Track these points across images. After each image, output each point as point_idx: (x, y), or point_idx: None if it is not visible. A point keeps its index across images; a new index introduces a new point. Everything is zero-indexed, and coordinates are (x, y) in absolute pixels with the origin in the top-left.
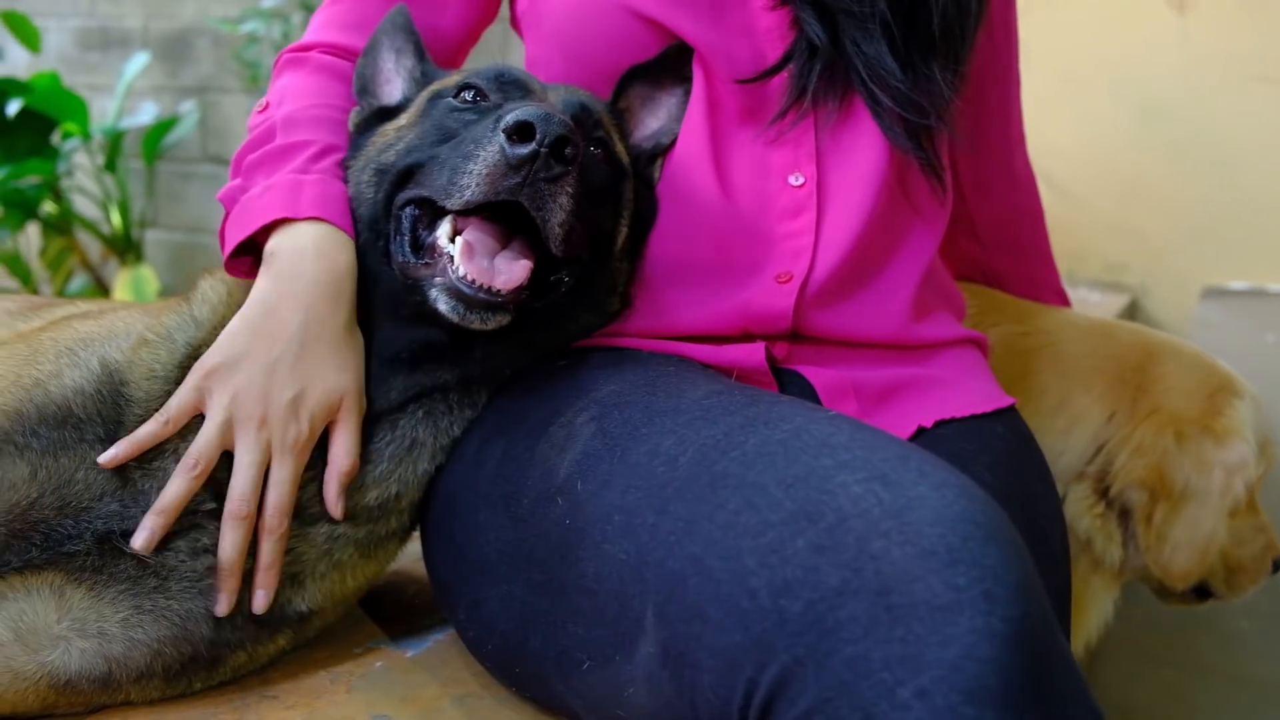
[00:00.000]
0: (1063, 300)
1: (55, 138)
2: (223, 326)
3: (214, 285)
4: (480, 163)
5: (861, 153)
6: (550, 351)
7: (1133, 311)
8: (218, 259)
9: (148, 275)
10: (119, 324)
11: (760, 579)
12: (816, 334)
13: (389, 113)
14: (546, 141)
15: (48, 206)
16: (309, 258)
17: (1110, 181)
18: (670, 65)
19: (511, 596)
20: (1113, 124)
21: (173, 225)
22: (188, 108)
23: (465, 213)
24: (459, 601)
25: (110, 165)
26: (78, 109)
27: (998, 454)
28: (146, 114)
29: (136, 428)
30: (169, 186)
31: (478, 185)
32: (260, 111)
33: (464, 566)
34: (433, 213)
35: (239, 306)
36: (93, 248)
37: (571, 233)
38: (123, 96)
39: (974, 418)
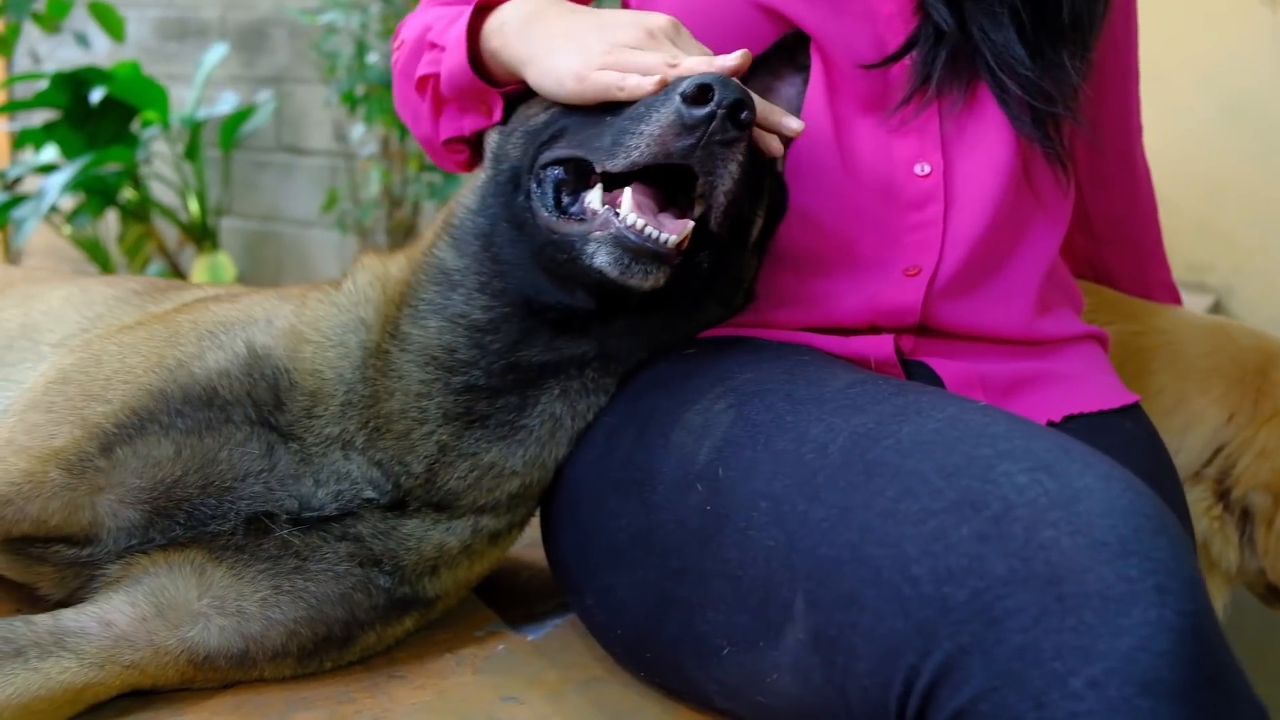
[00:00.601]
0: (1175, 299)
1: (134, 126)
2: (390, 320)
3: (369, 280)
4: (653, 123)
5: (987, 142)
6: (677, 341)
7: (1216, 312)
8: (290, 247)
9: (224, 262)
10: (256, 309)
11: (922, 566)
12: (943, 327)
13: (523, 97)
14: (724, 104)
15: (127, 193)
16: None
17: (1196, 180)
18: (788, 54)
19: (645, 583)
20: (1199, 121)
21: (246, 213)
22: (264, 98)
23: (616, 184)
24: (586, 588)
25: (191, 154)
26: (158, 98)
27: (1128, 450)
28: (227, 103)
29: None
30: (243, 175)
31: (648, 145)
32: (398, 48)
33: (593, 553)
34: (577, 179)
35: (394, 296)
36: (169, 234)
37: (731, 205)
38: (201, 86)
39: (1101, 413)
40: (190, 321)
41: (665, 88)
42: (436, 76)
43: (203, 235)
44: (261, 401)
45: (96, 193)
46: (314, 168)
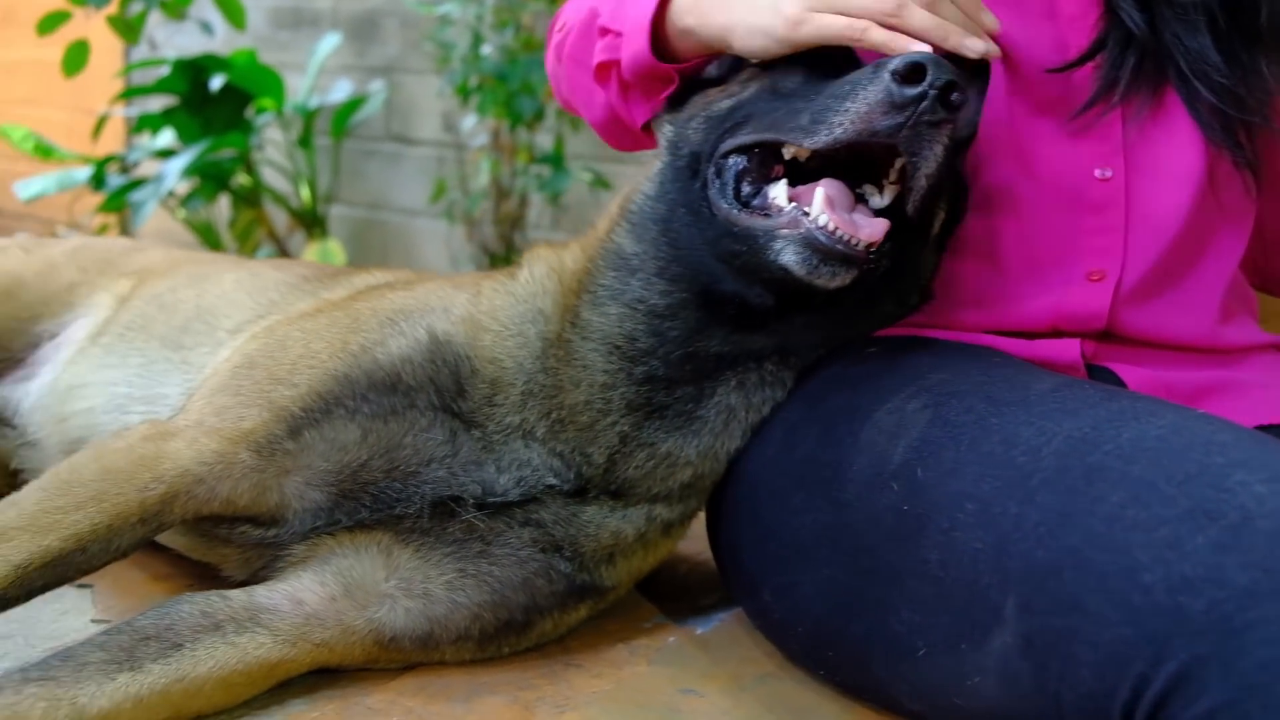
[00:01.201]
0: None
1: (248, 113)
2: (570, 309)
3: (545, 272)
4: (859, 100)
5: (1173, 147)
6: (854, 338)
7: None
8: (396, 235)
9: (335, 249)
10: (432, 297)
11: (1154, 574)
12: (1127, 333)
13: (701, 85)
14: (937, 84)
15: (239, 179)
16: None
17: None
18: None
19: (831, 580)
20: None
21: (353, 201)
22: (375, 87)
23: (800, 178)
24: (764, 583)
25: (304, 141)
26: (274, 85)
27: None
28: (341, 91)
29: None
30: (351, 163)
31: (851, 123)
32: (559, 30)
33: (772, 549)
34: (760, 169)
35: (571, 285)
36: (278, 219)
37: (930, 191)
38: (315, 75)
39: None
40: (369, 308)
41: (876, 66)
42: (618, 63)
43: (312, 222)
44: (444, 388)
45: (210, 178)
46: (421, 158)
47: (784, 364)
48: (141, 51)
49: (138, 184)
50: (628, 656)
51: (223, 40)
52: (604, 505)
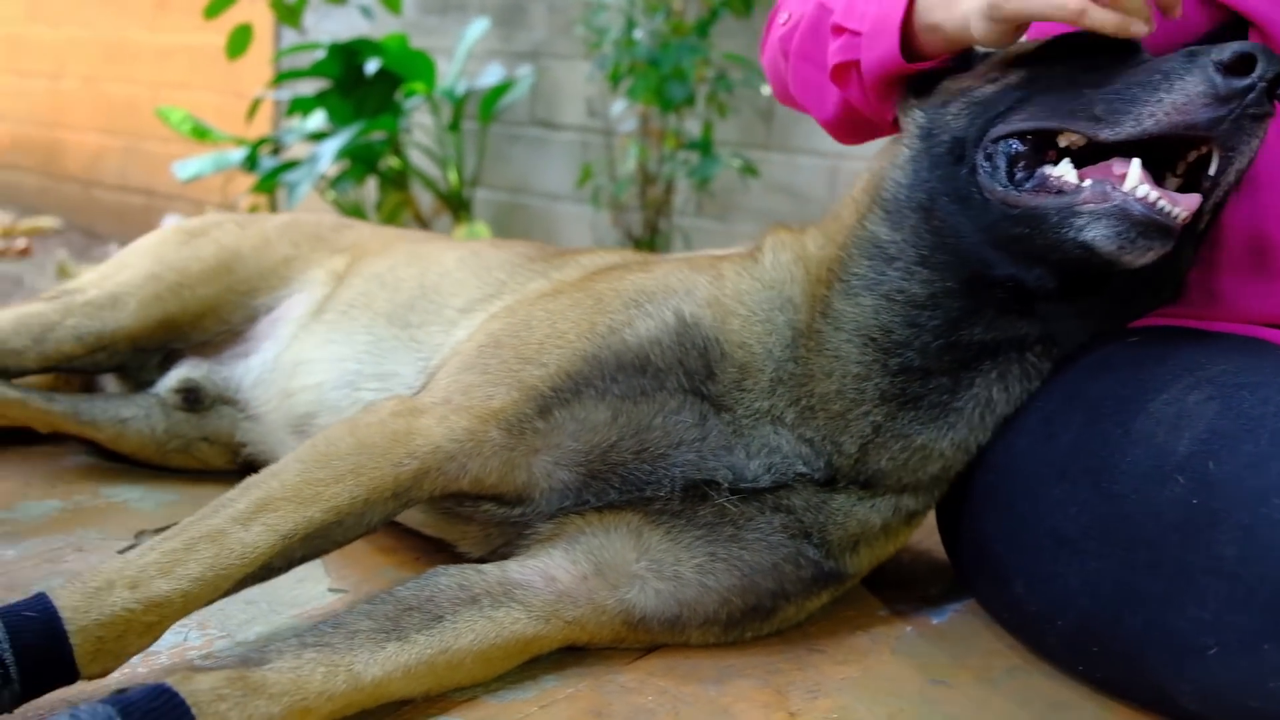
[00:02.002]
0: None
1: (396, 96)
2: (820, 299)
3: (791, 259)
4: (1176, 91)
5: None
6: (1114, 327)
7: None
8: (540, 219)
9: (483, 232)
10: (673, 279)
11: None
12: None
13: (944, 72)
14: (1266, 75)
15: (388, 161)
16: None
17: None
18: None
19: (1100, 574)
20: None
21: (497, 185)
22: (523, 72)
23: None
24: (1017, 575)
25: (454, 125)
26: (425, 69)
27: None
28: (492, 75)
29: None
30: (496, 147)
31: (1165, 114)
32: (784, 24)
33: (1028, 540)
34: (1033, 152)
35: (819, 274)
36: (424, 202)
37: (1232, 185)
38: (463, 59)
39: None
40: (611, 289)
41: (1189, 55)
42: (858, 63)
43: (459, 205)
44: (693, 371)
45: (360, 160)
46: (566, 142)
47: (1045, 354)
48: (290, 36)
49: (290, 165)
50: (869, 645)
51: (373, 26)
52: (853, 494)
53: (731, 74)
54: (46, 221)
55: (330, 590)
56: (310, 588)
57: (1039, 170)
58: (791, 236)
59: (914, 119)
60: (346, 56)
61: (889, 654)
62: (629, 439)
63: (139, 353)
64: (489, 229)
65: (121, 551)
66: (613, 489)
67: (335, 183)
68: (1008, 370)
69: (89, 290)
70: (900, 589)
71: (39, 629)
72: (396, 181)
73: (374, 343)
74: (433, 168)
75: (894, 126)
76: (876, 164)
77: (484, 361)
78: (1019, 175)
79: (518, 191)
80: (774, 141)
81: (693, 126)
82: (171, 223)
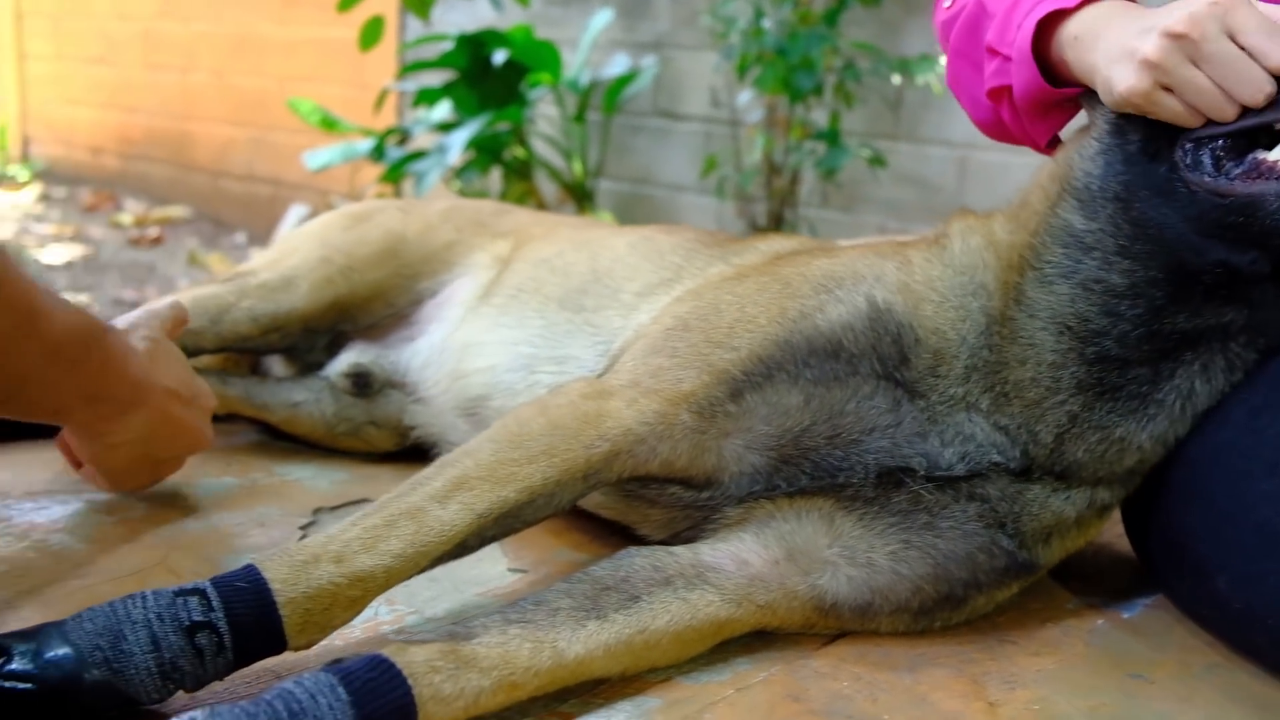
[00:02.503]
0: None
1: (522, 87)
2: (1012, 286)
3: (981, 244)
4: None
5: None
6: None
7: None
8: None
9: (609, 221)
10: (861, 265)
11: None
12: None
13: None
14: None
15: (513, 151)
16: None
17: None
18: None
19: None
20: None
21: (619, 175)
22: (647, 62)
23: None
24: (1221, 571)
25: (579, 116)
26: (551, 60)
27: None
28: (618, 65)
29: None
30: (619, 138)
31: None
32: (948, 9)
33: (1233, 535)
34: (1236, 145)
35: (1010, 260)
36: (548, 192)
37: None
38: (587, 50)
39: None
40: (799, 274)
41: None
42: (1010, 88)
43: (582, 195)
44: (886, 356)
45: (485, 150)
46: (689, 133)
47: (1250, 344)
48: (414, 28)
49: (417, 156)
50: (1061, 637)
51: (495, 17)
52: (1048, 485)
53: (859, 63)
54: (177, 211)
55: (510, 570)
56: (489, 567)
57: (1250, 156)
58: (978, 221)
59: (1102, 114)
60: (474, 48)
61: (1083, 646)
62: (822, 424)
63: (309, 334)
64: (613, 220)
65: (302, 529)
66: (804, 474)
67: (460, 172)
68: (1211, 361)
69: (262, 273)
70: (1085, 581)
71: (250, 600)
72: (521, 171)
73: (547, 326)
74: (556, 158)
75: (1049, 148)
76: (1064, 151)
77: (672, 345)
78: (1227, 164)
79: (640, 182)
80: (902, 131)
81: (819, 116)
82: (298, 213)
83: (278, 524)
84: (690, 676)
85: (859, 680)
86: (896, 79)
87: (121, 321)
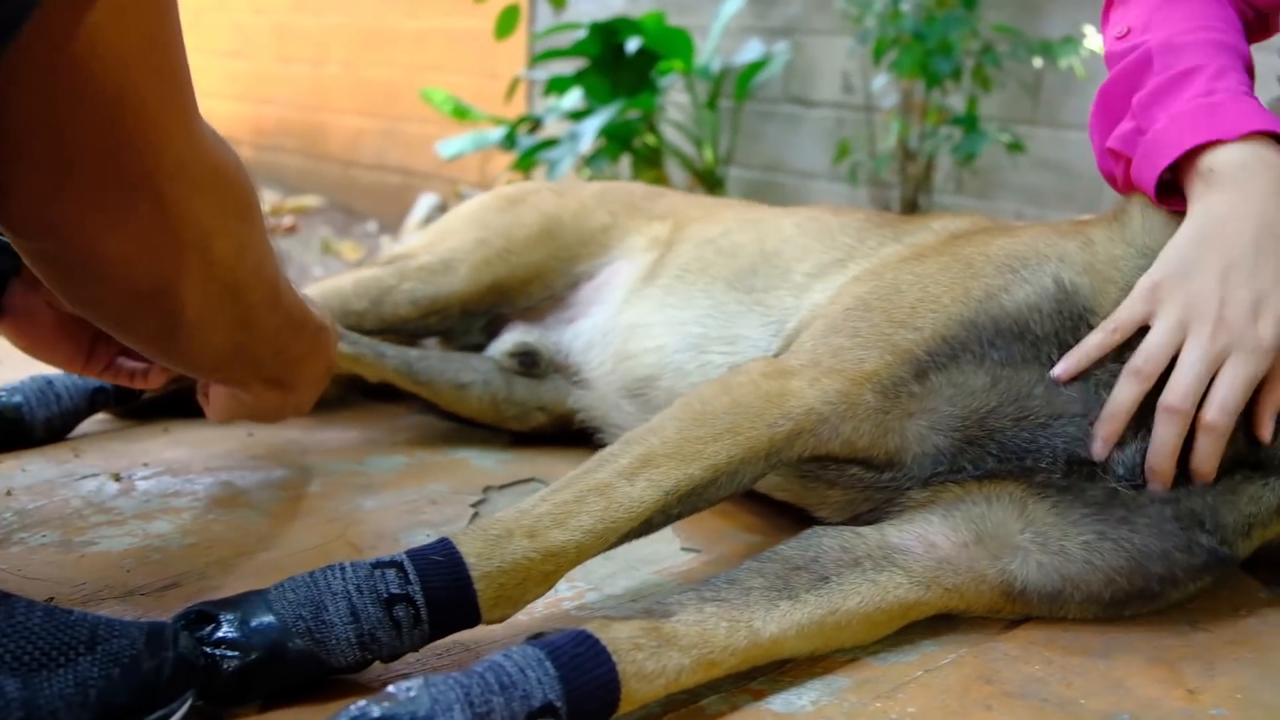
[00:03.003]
0: None
1: (652, 74)
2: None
3: (1163, 221)
4: None
5: None
6: None
7: None
8: (792, 198)
9: None
10: (1043, 244)
11: None
12: None
13: None
14: None
15: (643, 139)
16: (1252, 170)
17: None
18: None
19: None
20: None
21: (750, 163)
22: (780, 48)
23: None
24: None
25: (711, 103)
26: (684, 47)
27: None
28: (751, 52)
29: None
30: (750, 125)
31: None
32: (1120, 38)
33: None
34: None
35: None
36: (677, 180)
37: None
38: (719, 36)
39: None
40: (980, 254)
41: None
42: (1128, 162)
43: (713, 182)
44: (1065, 343)
45: (615, 138)
46: (820, 119)
47: None
48: (543, 18)
49: (548, 144)
50: (1259, 626)
51: (626, 4)
52: (1246, 476)
53: (998, 46)
54: (310, 200)
55: (683, 549)
56: (662, 547)
57: None
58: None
59: None
60: (606, 35)
61: (1276, 638)
62: (1009, 405)
63: (467, 317)
64: None
65: (474, 506)
66: (990, 456)
67: (590, 160)
68: None
69: (421, 256)
70: (1275, 570)
71: (446, 574)
72: (651, 159)
73: (715, 307)
74: (686, 145)
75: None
76: None
77: (852, 325)
78: None
79: (771, 169)
80: (1041, 116)
81: (955, 102)
82: (427, 201)
83: (449, 501)
84: (877, 657)
85: (1051, 664)
86: (1037, 62)
87: None
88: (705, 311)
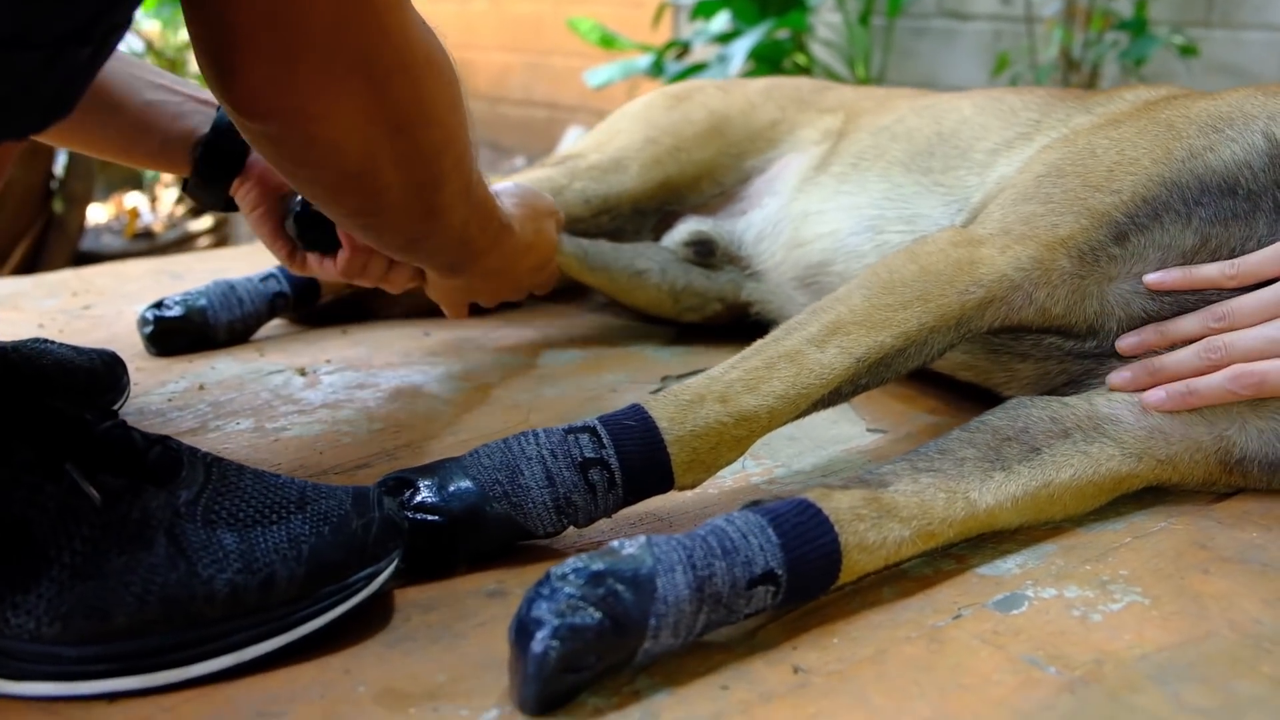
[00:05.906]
0: None
1: None
2: None
3: None
4: None
5: None
6: None
7: None
8: None
9: None
10: (1250, 105)
11: None
12: None
13: None
14: None
15: (793, 59)
16: None
17: None
18: None
19: None
20: None
21: (903, 80)
22: None
23: None
24: None
25: (864, 19)
26: None
27: None
28: None
29: None
30: (903, 41)
31: None
32: None
33: None
34: None
35: None
36: None
37: None
38: None
39: None
40: (1182, 116)
41: None
42: None
43: None
44: None
45: (764, 59)
46: (976, 33)
47: None
48: None
49: (697, 69)
50: None
51: None
52: None
53: None
54: None
55: (869, 430)
56: (846, 428)
57: None
58: None
59: None
60: None
61: None
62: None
63: (637, 215)
64: None
65: (653, 394)
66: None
67: None
68: None
69: (590, 155)
70: None
71: (639, 438)
72: None
73: (891, 189)
74: (838, 64)
75: None
76: None
77: (1045, 191)
78: None
79: (925, 86)
80: (1215, 18)
81: (1122, 6)
82: (575, 134)
83: (628, 389)
84: (1085, 527)
85: (1269, 531)
86: None
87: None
88: (881, 194)
